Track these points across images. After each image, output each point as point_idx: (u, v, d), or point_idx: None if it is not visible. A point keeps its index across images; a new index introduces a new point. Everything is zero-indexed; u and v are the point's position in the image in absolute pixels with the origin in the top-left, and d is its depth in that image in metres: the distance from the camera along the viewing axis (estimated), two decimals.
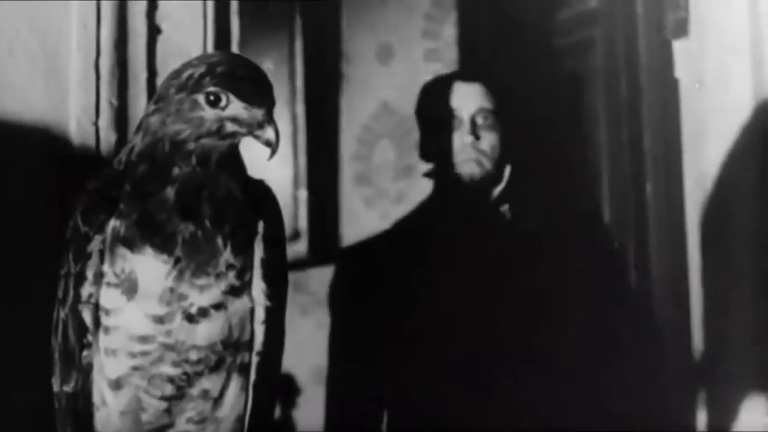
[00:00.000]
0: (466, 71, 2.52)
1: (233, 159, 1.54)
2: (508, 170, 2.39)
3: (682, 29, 2.61)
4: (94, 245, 1.51)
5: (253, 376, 1.59)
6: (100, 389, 1.54)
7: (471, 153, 2.34)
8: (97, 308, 1.52)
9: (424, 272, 2.28)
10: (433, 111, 2.42)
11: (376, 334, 2.27)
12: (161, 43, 2.26)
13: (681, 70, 2.62)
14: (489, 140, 2.35)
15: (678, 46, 2.63)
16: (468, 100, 2.38)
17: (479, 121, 2.36)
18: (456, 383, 2.19)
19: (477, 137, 2.34)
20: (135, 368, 1.51)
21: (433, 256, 2.29)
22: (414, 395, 2.24)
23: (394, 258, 2.35)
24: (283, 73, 3.73)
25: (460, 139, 2.35)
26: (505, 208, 2.36)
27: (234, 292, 1.53)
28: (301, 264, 3.67)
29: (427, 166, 2.46)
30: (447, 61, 3.20)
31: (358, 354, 2.31)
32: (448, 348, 2.20)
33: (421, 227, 2.39)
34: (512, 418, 2.13)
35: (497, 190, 2.37)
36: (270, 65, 3.42)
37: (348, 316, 2.36)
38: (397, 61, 3.58)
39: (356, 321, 2.32)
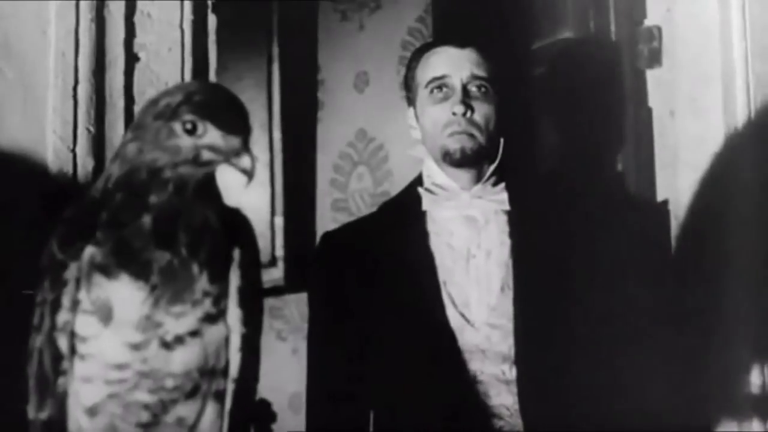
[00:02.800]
0: (459, 36, 2.27)
1: (209, 187, 1.55)
2: (502, 144, 2.21)
3: (655, 59, 2.63)
4: (71, 273, 1.51)
5: (228, 403, 1.59)
6: (76, 417, 1.54)
7: (462, 125, 2.16)
8: (72, 335, 1.52)
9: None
10: (421, 78, 2.23)
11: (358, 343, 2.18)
12: (139, 71, 2.26)
13: (654, 99, 2.64)
14: (482, 111, 2.17)
15: (651, 76, 2.65)
16: (460, 66, 2.19)
17: (472, 90, 2.18)
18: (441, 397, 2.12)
19: (469, 108, 2.16)
20: (111, 395, 1.51)
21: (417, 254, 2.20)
22: (399, 410, 2.17)
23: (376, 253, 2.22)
24: (261, 100, 3.74)
25: (451, 110, 2.16)
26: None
27: (210, 319, 1.54)
28: (277, 290, 3.68)
29: (415, 142, 2.29)
30: None
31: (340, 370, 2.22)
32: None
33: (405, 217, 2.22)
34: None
35: (491, 167, 2.20)
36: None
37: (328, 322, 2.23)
38: (373, 88, 3.60)
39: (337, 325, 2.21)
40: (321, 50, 3.78)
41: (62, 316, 1.52)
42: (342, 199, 3.70)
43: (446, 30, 3.33)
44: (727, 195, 2.44)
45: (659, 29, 2.63)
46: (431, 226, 2.19)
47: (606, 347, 2.12)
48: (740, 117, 2.46)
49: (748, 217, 2.40)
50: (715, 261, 2.44)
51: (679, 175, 2.53)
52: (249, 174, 1.51)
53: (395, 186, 3.34)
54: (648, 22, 2.66)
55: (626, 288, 2.16)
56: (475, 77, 2.18)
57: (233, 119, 1.51)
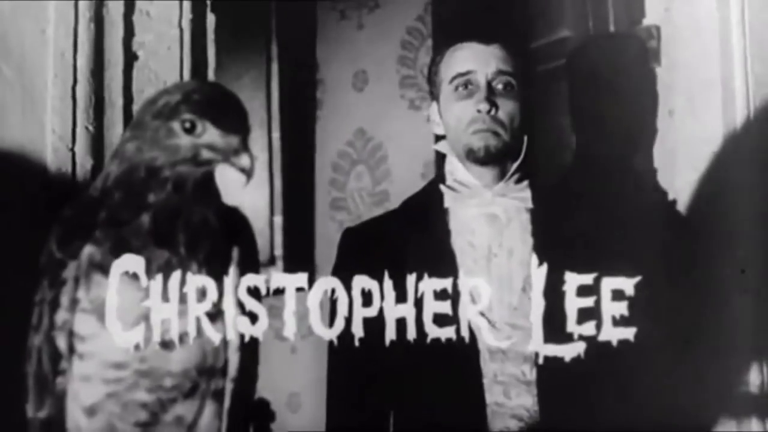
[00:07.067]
0: (484, 32, 2.24)
1: (208, 186, 1.55)
2: (525, 142, 2.19)
3: (654, 59, 2.63)
4: (69, 272, 1.51)
5: (227, 403, 1.59)
6: (74, 416, 1.54)
7: (487, 122, 2.14)
8: (71, 335, 1.52)
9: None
10: (445, 74, 2.20)
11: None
12: (138, 70, 2.27)
13: None
14: (507, 108, 2.15)
15: None
16: (485, 62, 2.17)
17: (497, 86, 2.16)
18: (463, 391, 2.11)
19: (494, 105, 2.14)
20: (109, 395, 1.51)
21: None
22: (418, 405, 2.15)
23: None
24: (259, 99, 3.74)
25: (475, 107, 2.14)
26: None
27: (208, 318, 1.54)
28: (275, 289, 3.67)
29: (438, 139, 2.27)
30: (423, 88, 3.21)
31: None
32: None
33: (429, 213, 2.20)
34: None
35: (514, 164, 2.17)
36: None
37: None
38: (372, 87, 3.59)
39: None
40: (320, 49, 3.78)
41: (61, 315, 1.52)
42: (341, 198, 3.69)
43: (445, 29, 3.33)
44: (726, 195, 2.44)
45: (658, 29, 2.63)
46: (453, 224, 2.17)
47: (625, 349, 2.11)
48: (739, 117, 2.46)
49: (747, 216, 2.40)
50: (715, 261, 2.44)
51: (678, 175, 2.53)
52: (248, 173, 1.51)
53: (394, 185, 3.33)
54: (647, 21, 2.65)
55: (647, 287, 2.15)
56: (500, 73, 2.16)
57: (232, 118, 1.51)
